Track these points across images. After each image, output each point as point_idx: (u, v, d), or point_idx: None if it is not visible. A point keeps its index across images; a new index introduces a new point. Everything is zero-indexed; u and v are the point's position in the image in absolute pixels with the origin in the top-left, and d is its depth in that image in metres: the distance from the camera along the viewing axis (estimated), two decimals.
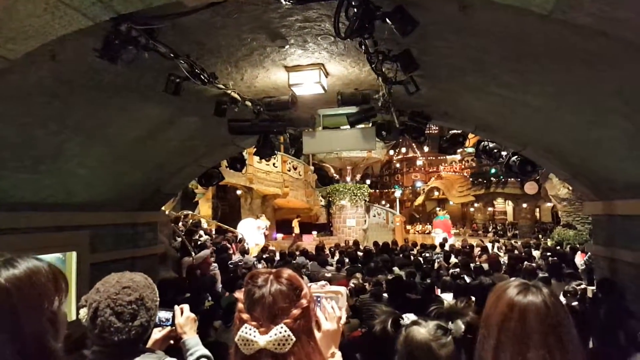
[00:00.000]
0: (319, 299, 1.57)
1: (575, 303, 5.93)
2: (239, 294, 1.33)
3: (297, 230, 22.30)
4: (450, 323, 1.73)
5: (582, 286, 7.03)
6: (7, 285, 1.30)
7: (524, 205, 32.52)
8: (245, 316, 1.28)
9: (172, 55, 3.81)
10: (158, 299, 2.04)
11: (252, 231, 18.13)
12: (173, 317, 2.26)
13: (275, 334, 1.23)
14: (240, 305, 1.30)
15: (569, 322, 1.48)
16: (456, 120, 6.57)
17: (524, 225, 32.83)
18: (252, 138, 6.86)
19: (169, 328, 2.26)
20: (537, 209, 34.64)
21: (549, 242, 16.32)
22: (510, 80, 4.26)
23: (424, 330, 1.72)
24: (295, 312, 1.28)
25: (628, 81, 3.29)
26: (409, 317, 1.78)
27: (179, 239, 10.37)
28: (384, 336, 1.78)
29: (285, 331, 1.23)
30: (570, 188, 19.25)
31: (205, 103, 5.21)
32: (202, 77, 4.24)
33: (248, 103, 5.31)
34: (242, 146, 7.42)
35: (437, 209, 36.85)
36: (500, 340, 1.47)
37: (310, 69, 4.68)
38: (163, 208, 8.93)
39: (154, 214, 7.69)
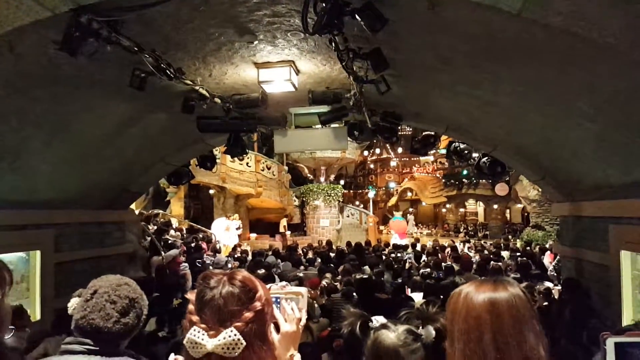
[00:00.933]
0: (278, 300, 1.51)
1: (545, 303, 6.02)
2: (191, 295, 1.27)
3: (286, 230, 22.21)
4: (420, 328, 1.67)
5: (548, 285, 7.14)
6: None
7: (495, 206, 33.12)
8: (194, 318, 1.22)
9: (136, 49, 3.68)
10: (145, 316, 2.01)
11: (225, 231, 17.96)
12: None
13: (224, 338, 1.16)
14: (190, 307, 1.25)
15: (535, 315, 1.42)
16: (428, 121, 6.59)
17: (495, 226, 33.45)
18: (222, 136, 6.75)
19: None
20: (508, 210, 35.31)
21: (518, 243, 16.60)
22: (480, 79, 4.27)
23: (393, 335, 1.65)
24: (247, 315, 1.22)
25: (595, 82, 3.33)
26: (378, 320, 1.71)
27: (149, 239, 10.15)
28: (352, 338, 1.72)
29: (235, 335, 1.17)
30: (540, 190, 19.69)
31: (173, 99, 5.09)
32: (168, 72, 4.12)
33: (217, 100, 5.20)
34: (212, 144, 7.29)
35: (410, 209, 37.18)
36: (467, 340, 1.38)
37: (280, 66, 4.60)
38: (134, 207, 8.73)
39: (121, 212, 7.49)
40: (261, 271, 8.15)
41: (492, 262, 8.75)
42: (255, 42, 4.07)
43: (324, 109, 5.84)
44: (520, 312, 1.40)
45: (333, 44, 3.68)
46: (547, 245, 11.61)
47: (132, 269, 8.17)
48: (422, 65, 4.41)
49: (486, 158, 7.25)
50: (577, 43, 2.80)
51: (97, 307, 1.82)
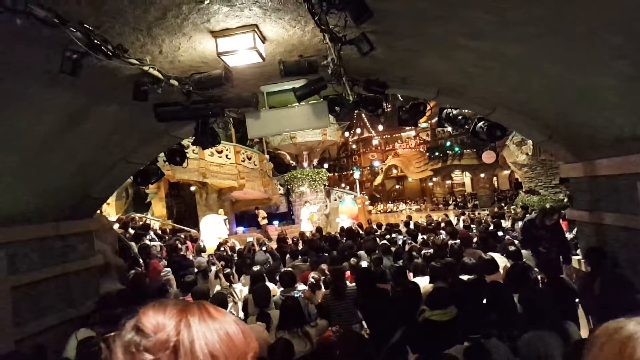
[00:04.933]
0: None
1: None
2: None
3: (267, 221, 21.50)
4: None
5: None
6: None
7: (482, 175, 32.98)
8: None
9: (56, 20, 2.91)
10: None
11: (215, 227, 17.24)
12: None
13: None
14: None
15: None
16: (416, 86, 5.88)
17: (483, 195, 33.41)
18: (188, 126, 5.98)
19: None
20: (495, 178, 35.17)
21: (515, 210, 16.13)
22: (483, 25, 3.57)
23: None
24: None
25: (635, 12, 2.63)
26: None
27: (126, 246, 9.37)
28: None
29: None
30: (529, 153, 19.23)
31: (123, 86, 4.32)
32: (105, 50, 3.35)
33: (173, 82, 4.43)
34: (179, 136, 6.48)
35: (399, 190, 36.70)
36: None
37: (242, 32, 3.84)
38: (114, 212, 7.95)
39: (86, 221, 6.70)
40: (256, 268, 7.23)
41: (507, 237, 8.13)
42: (207, 2, 3.31)
43: (298, 82, 5.12)
44: None
45: None
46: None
47: (107, 282, 7.43)
48: (413, 13, 3.67)
49: (482, 122, 6.60)
50: None
51: None
